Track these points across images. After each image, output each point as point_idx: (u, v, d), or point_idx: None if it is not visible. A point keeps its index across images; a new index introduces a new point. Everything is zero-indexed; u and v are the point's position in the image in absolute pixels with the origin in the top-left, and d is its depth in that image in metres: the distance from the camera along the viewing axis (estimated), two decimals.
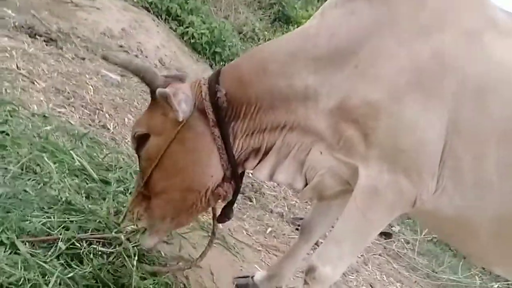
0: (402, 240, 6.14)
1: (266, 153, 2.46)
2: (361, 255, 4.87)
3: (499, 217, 2.23)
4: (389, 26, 2.24)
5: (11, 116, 3.25)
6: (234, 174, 2.48)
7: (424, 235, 6.33)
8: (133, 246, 2.50)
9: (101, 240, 2.56)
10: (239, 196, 4.29)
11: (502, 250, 2.38)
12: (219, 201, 2.56)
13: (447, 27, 2.22)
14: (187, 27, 7.85)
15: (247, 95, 2.38)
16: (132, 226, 2.54)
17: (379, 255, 5.26)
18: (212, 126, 2.39)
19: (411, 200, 2.23)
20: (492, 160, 2.15)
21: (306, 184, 2.46)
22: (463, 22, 2.25)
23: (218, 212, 2.72)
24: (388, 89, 2.17)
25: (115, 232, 2.57)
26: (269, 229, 4.08)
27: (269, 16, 11.30)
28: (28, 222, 2.43)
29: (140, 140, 2.48)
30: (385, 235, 5.89)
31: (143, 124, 2.49)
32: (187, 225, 2.93)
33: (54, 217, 2.53)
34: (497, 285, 6.10)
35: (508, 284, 5.80)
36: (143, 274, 2.54)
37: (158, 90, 2.32)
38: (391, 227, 6.35)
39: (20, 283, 2.09)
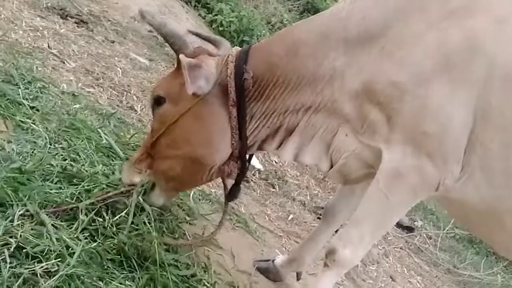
0: (424, 235, 6.09)
1: (288, 134, 2.46)
2: (382, 247, 4.85)
3: None
4: (419, 9, 2.25)
5: (41, 93, 3.31)
6: (242, 155, 2.51)
7: (446, 231, 6.27)
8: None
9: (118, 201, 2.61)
10: (262, 182, 4.33)
11: None
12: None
13: (478, 13, 2.20)
14: (216, 15, 7.83)
15: (275, 76, 2.39)
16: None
17: (401, 248, 5.24)
18: (231, 105, 2.41)
19: (434, 185, 2.24)
20: None
21: (331, 166, 2.47)
22: (494, 8, 2.24)
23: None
24: (414, 72, 2.18)
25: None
26: (291, 216, 4.09)
27: (298, 7, 11.21)
28: (51, 194, 2.48)
29: (156, 102, 2.52)
30: (407, 229, 5.86)
31: (163, 87, 2.53)
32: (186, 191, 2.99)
33: (76, 191, 2.57)
34: None
35: None
36: (166, 247, 2.58)
37: (181, 57, 2.32)
38: (414, 221, 6.31)
39: (45, 254, 2.13)
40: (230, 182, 2.73)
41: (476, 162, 2.20)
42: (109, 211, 2.55)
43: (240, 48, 2.57)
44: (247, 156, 2.62)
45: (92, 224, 2.46)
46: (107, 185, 2.70)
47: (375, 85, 2.23)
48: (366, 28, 2.29)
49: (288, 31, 2.65)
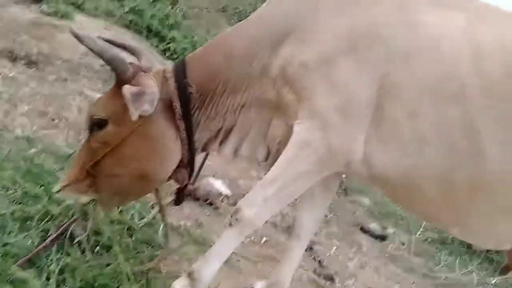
0: (397, 241, 6.12)
1: (228, 132, 2.62)
2: (358, 259, 4.84)
3: (443, 175, 2.35)
4: (333, 0, 2.50)
5: None
6: (191, 162, 2.63)
7: (418, 235, 6.32)
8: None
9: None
10: (231, 208, 4.26)
11: (454, 210, 2.48)
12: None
13: (384, 1, 2.46)
14: (168, 43, 7.79)
15: (215, 84, 2.56)
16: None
17: (376, 258, 5.24)
18: (178, 119, 2.52)
19: (341, 159, 2.40)
20: (426, 118, 2.30)
21: (268, 156, 2.63)
22: None
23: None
24: (322, 53, 2.38)
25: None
26: (264, 239, 4.04)
27: None
28: (11, 245, 2.38)
29: (97, 124, 2.51)
30: (380, 237, 5.87)
31: (103, 108, 2.52)
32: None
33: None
34: (494, 281, 6.10)
35: (506, 278, 5.79)
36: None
37: (124, 88, 2.29)
38: (385, 229, 6.33)
39: None
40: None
41: (389, 134, 2.35)
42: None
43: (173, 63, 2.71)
44: None
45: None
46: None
47: (288, 67, 2.43)
48: (286, 25, 2.50)
49: (222, 39, 2.76)
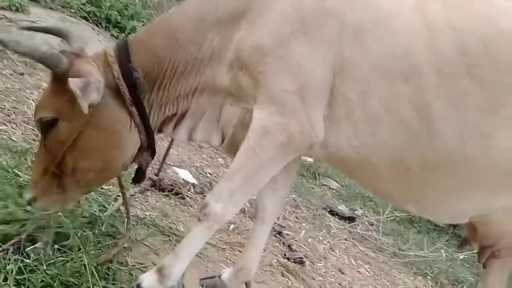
0: (366, 222, 6.20)
1: (182, 117, 2.60)
2: (327, 242, 4.87)
3: (395, 154, 2.37)
4: None
5: None
6: (151, 144, 2.61)
7: (386, 216, 6.40)
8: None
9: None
10: (198, 196, 4.24)
11: (407, 187, 2.51)
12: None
13: None
14: (129, 33, 7.65)
15: (162, 68, 2.51)
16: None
17: (345, 239, 5.29)
18: (129, 105, 2.46)
19: (304, 142, 2.37)
20: (377, 97, 2.30)
21: (222, 141, 2.60)
22: None
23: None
24: (273, 35, 2.35)
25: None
26: (232, 226, 4.02)
27: None
28: None
29: (49, 124, 2.40)
30: (349, 219, 5.93)
31: (48, 108, 2.40)
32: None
33: None
34: (462, 256, 6.25)
35: (473, 253, 5.92)
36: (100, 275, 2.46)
37: (72, 85, 2.17)
38: (354, 211, 6.41)
39: None
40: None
41: (341, 114, 2.34)
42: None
43: (112, 45, 2.60)
44: None
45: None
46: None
47: (242, 52, 2.38)
48: (234, 6, 2.46)
49: (165, 20, 2.65)
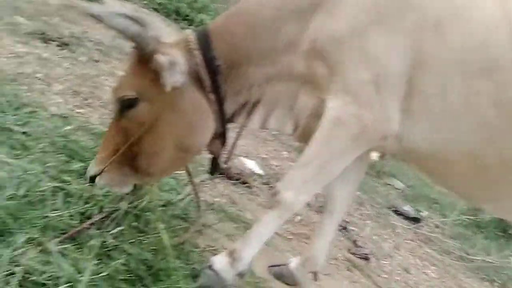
0: (431, 224, 6.03)
1: (254, 105, 2.59)
2: (393, 241, 4.78)
3: (474, 150, 2.31)
4: None
5: (31, 118, 3.21)
6: (224, 132, 2.64)
7: (452, 219, 6.22)
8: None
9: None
10: (264, 187, 4.26)
11: (485, 186, 2.44)
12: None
13: None
14: (197, 26, 7.78)
15: (240, 56, 2.51)
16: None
17: (411, 240, 5.18)
18: (208, 92, 2.49)
19: (377, 133, 2.34)
20: (457, 91, 2.24)
21: (295, 129, 2.59)
22: None
23: None
24: (349, 24, 2.31)
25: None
26: (298, 218, 4.01)
27: None
28: (51, 218, 2.35)
29: (128, 104, 2.42)
30: (414, 219, 5.81)
31: (131, 88, 2.42)
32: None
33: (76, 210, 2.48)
34: None
35: None
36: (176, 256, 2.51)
37: (160, 58, 2.27)
38: (419, 212, 6.25)
39: (53, 281, 2.04)
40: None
41: (419, 107, 2.30)
42: (110, 226, 2.49)
43: (192, 31, 2.58)
44: None
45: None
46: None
47: (318, 41, 2.36)
48: None
49: (243, 8, 2.61)
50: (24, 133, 2.99)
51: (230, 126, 2.69)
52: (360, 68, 2.29)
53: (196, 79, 2.46)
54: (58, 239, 2.24)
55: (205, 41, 2.48)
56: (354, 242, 4.20)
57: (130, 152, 2.47)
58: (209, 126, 2.55)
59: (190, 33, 2.55)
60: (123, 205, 2.58)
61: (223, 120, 2.58)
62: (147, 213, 2.66)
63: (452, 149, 2.34)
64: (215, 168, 2.80)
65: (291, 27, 2.45)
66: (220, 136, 2.64)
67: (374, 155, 7.02)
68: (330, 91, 2.35)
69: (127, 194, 2.62)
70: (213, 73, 2.47)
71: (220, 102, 2.53)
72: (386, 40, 2.28)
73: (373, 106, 2.30)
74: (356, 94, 2.30)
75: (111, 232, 2.44)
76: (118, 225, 2.50)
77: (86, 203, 2.56)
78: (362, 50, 2.29)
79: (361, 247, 4.16)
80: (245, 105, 2.62)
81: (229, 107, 2.59)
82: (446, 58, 2.24)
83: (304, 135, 2.56)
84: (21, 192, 2.42)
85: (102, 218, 2.49)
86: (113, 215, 2.54)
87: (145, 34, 2.28)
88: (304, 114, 2.52)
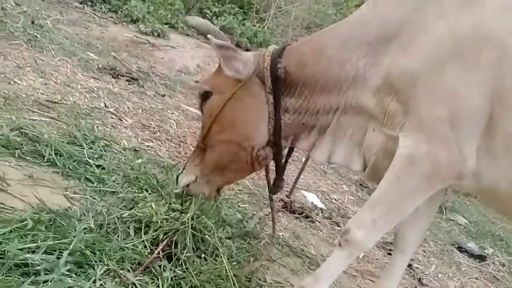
0: (497, 262, 5.81)
1: (320, 134, 2.63)
2: (458, 279, 4.64)
3: None
4: (432, 3, 2.37)
5: (105, 151, 3.35)
6: (277, 141, 2.68)
7: None
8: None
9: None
10: (327, 222, 4.23)
11: None
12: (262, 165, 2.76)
13: (486, 1, 2.28)
14: None
15: (303, 74, 2.59)
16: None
17: (476, 278, 4.99)
18: (268, 93, 2.62)
19: (452, 172, 2.25)
20: None
21: (364, 167, 2.55)
22: None
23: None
24: (425, 59, 2.27)
25: None
26: (362, 255, 3.95)
27: None
28: (128, 249, 2.43)
29: (204, 97, 2.76)
30: (479, 257, 5.60)
31: (208, 83, 2.81)
32: (233, 182, 3.12)
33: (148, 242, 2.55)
34: None
35: None
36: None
37: (210, 37, 2.56)
38: (484, 249, 6.04)
39: None
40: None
41: (501, 146, 2.19)
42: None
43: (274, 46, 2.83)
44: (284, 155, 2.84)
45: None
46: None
47: (392, 76, 2.34)
48: (385, 29, 2.43)
49: (318, 35, 2.78)
50: (98, 166, 3.13)
51: (292, 160, 2.74)
52: (435, 104, 2.23)
53: (262, 81, 2.65)
54: (134, 271, 2.31)
55: (277, 53, 2.67)
56: (420, 280, 4.10)
57: (204, 145, 2.77)
58: (262, 125, 2.67)
59: (273, 46, 2.79)
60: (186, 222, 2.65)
61: (277, 125, 2.66)
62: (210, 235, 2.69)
63: None
64: (276, 187, 2.93)
65: (359, 60, 2.47)
66: (273, 144, 2.70)
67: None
68: (403, 129, 2.31)
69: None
70: (275, 77, 2.61)
71: (276, 105, 2.63)
72: (463, 75, 2.20)
73: (448, 143, 2.22)
74: (430, 131, 2.24)
75: (180, 260, 2.51)
76: (184, 248, 2.56)
77: (155, 230, 2.63)
78: (437, 85, 2.23)
79: (427, 285, 4.06)
80: (311, 130, 2.67)
81: (293, 125, 2.67)
82: None
83: (374, 174, 2.53)
84: (97, 224, 2.53)
85: (167, 243, 2.56)
86: (176, 239, 2.60)
87: (221, 33, 2.72)
88: (371, 152, 2.49)
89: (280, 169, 2.86)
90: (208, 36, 2.58)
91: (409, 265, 4.24)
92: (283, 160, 2.84)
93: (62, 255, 2.15)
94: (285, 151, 2.82)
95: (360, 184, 5.99)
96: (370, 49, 2.45)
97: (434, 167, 2.25)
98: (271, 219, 3.14)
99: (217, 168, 2.76)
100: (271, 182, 2.94)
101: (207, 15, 8.68)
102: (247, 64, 2.63)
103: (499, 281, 5.27)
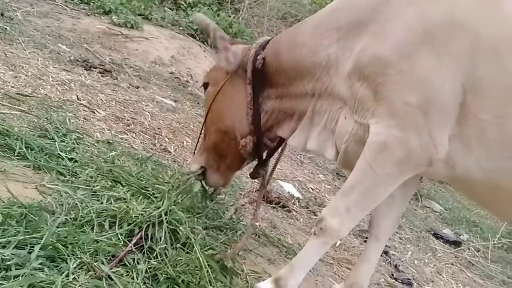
0: (472, 248, 5.90)
1: (299, 120, 2.69)
2: (434, 265, 4.70)
3: None
4: None
5: (77, 144, 3.30)
6: (256, 130, 2.78)
7: (494, 242, 6.08)
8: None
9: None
10: (304, 211, 4.24)
11: None
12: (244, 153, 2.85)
13: None
14: None
15: (280, 62, 2.70)
16: None
17: (452, 264, 5.07)
18: (247, 83, 2.76)
19: (423, 159, 2.24)
20: None
21: (337, 154, 2.57)
22: None
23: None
24: (396, 46, 2.26)
25: None
26: (338, 242, 3.97)
27: None
28: (101, 242, 2.40)
29: (205, 87, 3.01)
30: (455, 243, 5.70)
31: (208, 75, 3.05)
32: (235, 170, 3.09)
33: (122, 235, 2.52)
34: None
35: None
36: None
37: (218, 33, 2.85)
38: (459, 235, 6.14)
39: None
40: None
41: (473, 134, 2.17)
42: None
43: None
44: (268, 154, 3.01)
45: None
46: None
47: (362, 61, 2.34)
48: (356, 15, 2.45)
49: (297, 24, 2.91)
50: (71, 159, 3.07)
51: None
52: (405, 90, 2.22)
53: (245, 72, 2.79)
54: (108, 264, 2.28)
55: (264, 44, 2.81)
56: (396, 267, 4.14)
57: (205, 135, 2.99)
58: (243, 114, 2.78)
59: (263, 39, 2.94)
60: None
61: (255, 114, 2.76)
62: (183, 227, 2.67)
63: (508, 179, 2.20)
64: (255, 172, 3.04)
65: (330, 46, 2.49)
66: (254, 133, 2.79)
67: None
68: (374, 115, 2.30)
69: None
70: (254, 68, 2.74)
71: (254, 95, 2.75)
72: (434, 63, 2.19)
73: (419, 130, 2.21)
74: (401, 118, 2.22)
75: (155, 252, 2.49)
76: (158, 241, 2.54)
77: (130, 224, 2.60)
78: (408, 72, 2.22)
79: (403, 272, 4.10)
80: (289, 117, 2.74)
81: (274, 113, 2.79)
82: (502, 85, 2.11)
83: (346, 162, 2.54)
84: (70, 217, 2.49)
85: (141, 236, 2.54)
86: (150, 231, 2.58)
87: (219, 31, 2.89)
88: (342, 140, 2.49)
89: (261, 157, 2.94)
90: (211, 26, 2.85)
91: (386, 252, 4.29)
92: (274, 149, 2.98)
93: (33, 250, 2.11)
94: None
95: (337, 173, 6.02)
96: (341, 34, 2.47)
97: (406, 153, 2.25)
98: (248, 209, 3.15)
99: (217, 155, 2.92)
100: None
101: (181, 6, 8.57)
102: (235, 56, 2.80)
103: (474, 266, 5.36)
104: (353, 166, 2.46)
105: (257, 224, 3.44)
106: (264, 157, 2.98)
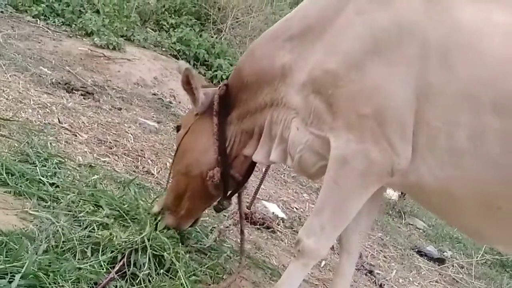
0: (456, 265, 5.92)
1: (259, 135, 2.67)
2: (418, 283, 4.71)
3: (482, 189, 2.13)
4: (354, 0, 2.32)
5: (59, 168, 3.27)
6: (223, 159, 2.72)
7: (477, 259, 6.11)
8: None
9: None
10: (288, 231, 4.23)
11: (498, 227, 2.26)
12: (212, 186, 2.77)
13: None
14: (215, 71, 7.92)
15: (241, 80, 2.70)
16: None
17: (436, 281, 5.09)
18: (214, 115, 2.72)
19: (386, 169, 2.23)
20: (464, 128, 2.07)
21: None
22: None
23: None
24: (345, 57, 2.24)
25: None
26: (323, 263, 3.97)
27: None
28: (83, 270, 2.37)
29: (177, 130, 2.98)
30: (438, 260, 5.71)
31: (181, 118, 3.17)
32: (197, 214, 3.03)
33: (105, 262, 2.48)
34: None
35: None
36: None
37: (183, 67, 2.76)
38: (443, 252, 6.16)
39: None
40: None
41: (424, 142, 2.16)
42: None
43: None
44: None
45: None
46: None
47: (314, 74, 2.33)
48: (307, 25, 2.46)
49: (255, 40, 2.89)
50: (52, 184, 3.04)
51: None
52: (358, 101, 2.20)
53: (212, 107, 2.77)
54: None
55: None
56: (381, 286, 4.14)
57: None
58: (209, 149, 2.73)
59: None
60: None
61: (221, 143, 2.71)
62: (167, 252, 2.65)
63: (459, 187, 2.17)
64: (219, 204, 2.97)
65: (285, 56, 2.50)
66: (221, 163, 2.72)
67: (395, 195, 6.99)
68: (332, 129, 2.29)
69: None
70: (219, 97, 2.73)
71: (220, 123, 2.71)
72: (386, 72, 2.16)
73: (377, 140, 2.19)
74: (359, 129, 2.20)
75: (138, 278, 2.46)
76: (142, 267, 2.52)
77: (112, 250, 2.57)
78: (360, 83, 2.19)
79: None
80: (251, 134, 2.72)
81: (235, 135, 2.76)
82: (452, 91, 2.08)
83: (301, 170, 2.56)
84: (52, 245, 2.46)
85: (124, 263, 2.51)
86: (133, 258, 2.56)
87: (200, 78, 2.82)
88: (296, 149, 2.46)
89: (227, 188, 2.85)
90: (186, 67, 2.75)
91: (371, 272, 4.29)
92: (240, 183, 2.90)
93: (14, 279, 2.07)
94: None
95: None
96: (295, 43, 2.49)
97: (367, 165, 2.23)
98: (232, 231, 3.14)
99: (177, 198, 2.86)
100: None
101: (164, 27, 8.60)
102: (206, 98, 2.77)
103: (458, 283, 5.37)
104: (309, 173, 2.54)
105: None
106: (229, 192, 2.91)
